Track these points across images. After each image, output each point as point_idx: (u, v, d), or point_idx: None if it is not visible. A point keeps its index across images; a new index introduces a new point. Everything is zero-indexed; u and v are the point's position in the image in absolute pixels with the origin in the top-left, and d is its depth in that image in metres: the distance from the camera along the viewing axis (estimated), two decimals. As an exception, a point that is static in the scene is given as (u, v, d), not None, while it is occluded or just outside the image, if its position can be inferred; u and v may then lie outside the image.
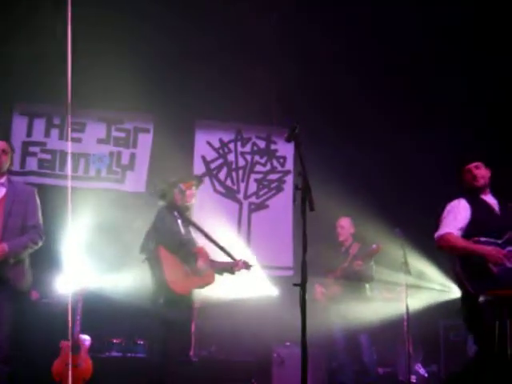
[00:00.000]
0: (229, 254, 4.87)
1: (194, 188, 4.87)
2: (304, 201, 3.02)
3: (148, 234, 4.71)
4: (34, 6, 6.95)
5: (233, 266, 4.89)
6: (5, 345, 4.10)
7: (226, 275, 4.96)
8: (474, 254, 4.17)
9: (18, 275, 4.29)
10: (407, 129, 7.78)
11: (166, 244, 4.51)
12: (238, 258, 4.92)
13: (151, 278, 4.62)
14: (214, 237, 4.85)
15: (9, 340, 4.13)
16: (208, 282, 4.72)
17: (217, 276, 4.82)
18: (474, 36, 7.06)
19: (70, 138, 7.41)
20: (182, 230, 4.66)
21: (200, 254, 4.61)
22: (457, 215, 4.38)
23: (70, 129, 6.94)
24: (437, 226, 4.48)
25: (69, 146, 7.35)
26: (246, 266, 4.92)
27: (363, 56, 7.44)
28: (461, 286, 4.35)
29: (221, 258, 4.95)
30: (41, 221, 4.46)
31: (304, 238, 3.02)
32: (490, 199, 4.52)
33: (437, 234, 4.38)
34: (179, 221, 4.65)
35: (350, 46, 7.27)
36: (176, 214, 4.68)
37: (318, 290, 6.35)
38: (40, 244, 4.43)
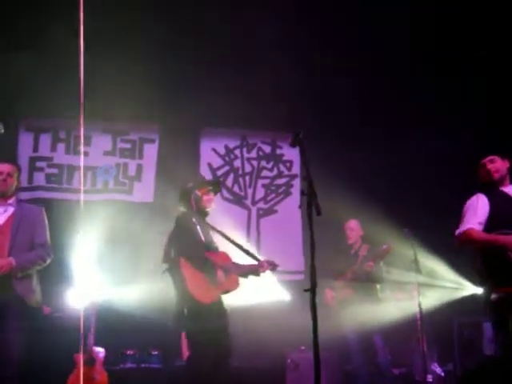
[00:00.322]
0: (252, 255, 4.74)
1: (211, 193, 4.81)
2: (310, 206, 3.02)
3: (169, 242, 4.61)
4: (41, 21, 7.01)
5: (257, 268, 4.70)
6: (14, 361, 4.12)
7: (252, 278, 4.79)
8: (496, 245, 4.08)
9: (27, 291, 4.35)
10: (412, 128, 7.76)
11: (190, 258, 4.40)
12: (261, 258, 4.79)
13: (174, 289, 4.53)
14: (235, 239, 4.78)
15: (18, 356, 4.16)
16: (232, 287, 4.60)
17: (242, 280, 4.70)
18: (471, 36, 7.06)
19: (82, 152, 7.48)
20: (202, 235, 4.56)
21: (221, 259, 4.56)
22: (476, 210, 4.31)
23: (82, 141, 7.04)
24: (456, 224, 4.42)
25: (81, 160, 7.38)
26: (271, 265, 4.75)
27: (364, 58, 7.43)
28: (482, 282, 4.29)
29: (243, 260, 4.82)
30: (49, 240, 4.56)
31: (312, 243, 3.01)
32: (510, 190, 4.47)
33: (457, 231, 4.30)
34: (198, 227, 4.55)
35: (350, 48, 7.27)
36: (194, 220, 4.59)
37: (328, 295, 6.35)
38: (48, 261, 4.51)
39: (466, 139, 7.17)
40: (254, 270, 4.69)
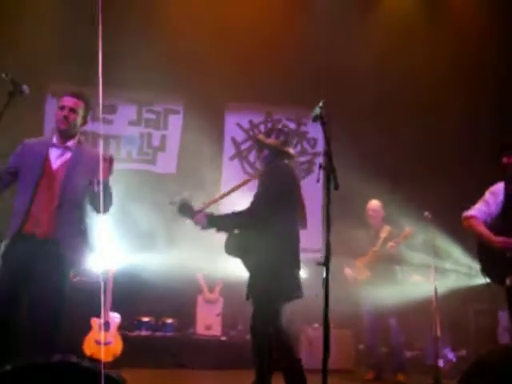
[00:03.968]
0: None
1: None
2: (328, 180, 3.01)
3: None
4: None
5: None
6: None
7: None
8: (486, 242, 4.23)
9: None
10: (437, 111, 7.69)
11: None
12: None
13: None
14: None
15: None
16: None
17: None
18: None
19: (101, 120, 7.46)
20: None
21: None
22: (489, 200, 4.38)
23: (100, 111, 7.01)
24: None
25: (101, 128, 7.40)
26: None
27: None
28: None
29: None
30: (111, 189, 3.79)
31: (328, 218, 3.00)
32: None
33: (464, 213, 4.40)
34: None
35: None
36: None
37: (347, 273, 6.36)
38: (109, 208, 3.80)
39: (493, 123, 7.08)
40: None
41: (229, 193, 4.19)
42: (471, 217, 4.36)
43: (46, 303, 3.53)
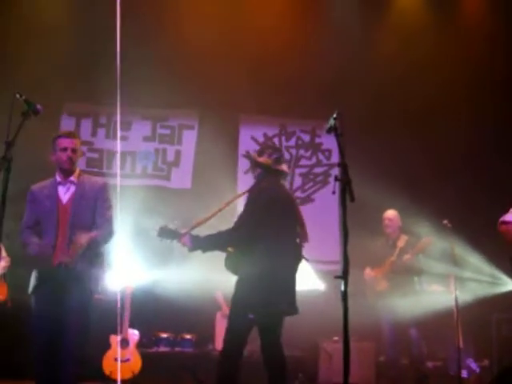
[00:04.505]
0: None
1: None
2: (344, 192, 2.98)
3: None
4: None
5: None
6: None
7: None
8: None
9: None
10: (454, 116, 7.64)
11: None
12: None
13: (294, 271, 4.26)
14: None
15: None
16: None
17: None
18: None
19: (119, 137, 7.52)
20: None
21: None
22: None
23: (119, 127, 7.09)
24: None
25: (118, 145, 7.45)
26: None
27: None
28: None
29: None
30: (110, 217, 4.21)
31: (344, 230, 2.97)
32: None
33: (502, 218, 4.19)
34: None
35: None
36: None
37: (367, 271, 6.28)
38: (109, 240, 4.23)
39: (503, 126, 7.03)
40: None
41: (216, 213, 4.22)
42: (510, 222, 4.16)
43: (74, 325, 3.96)
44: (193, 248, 4.10)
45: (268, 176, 4.14)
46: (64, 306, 3.95)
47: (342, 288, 2.92)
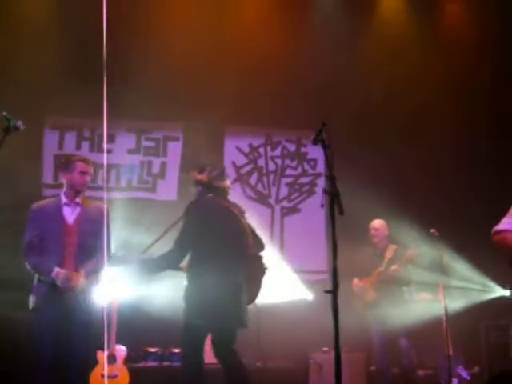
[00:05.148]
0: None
1: None
2: (332, 204, 2.95)
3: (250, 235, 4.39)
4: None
5: None
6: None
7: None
8: None
9: None
10: (442, 125, 7.67)
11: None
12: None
13: (246, 283, 4.28)
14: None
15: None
16: None
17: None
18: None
19: (105, 150, 7.46)
20: None
21: None
22: None
23: (105, 140, 7.04)
24: None
25: (104, 158, 7.37)
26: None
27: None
28: None
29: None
30: (106, 245, 4.29)
31: (334, 244, 2.94)
32: None
33: (494, 228, 4.09)
34: None
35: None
36: None
37: (355, 282, 6.25)
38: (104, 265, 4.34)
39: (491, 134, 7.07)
40: None
41: (164, 234, 4.51)
42: (504, 231, 4.05)
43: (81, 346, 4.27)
44: (141, 272, 4.25)
45: (207, 193, 4.22)
46: (69, 323, 4.15)
47: (332, 303, 2.86)
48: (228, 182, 4.34)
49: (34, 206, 4.36)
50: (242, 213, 4.33)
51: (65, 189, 4.39)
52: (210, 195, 4.22)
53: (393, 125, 7.74)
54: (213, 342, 4.13)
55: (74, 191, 4.37)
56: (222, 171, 4.37)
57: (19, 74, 7.01)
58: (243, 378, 4.12)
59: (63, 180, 4.41)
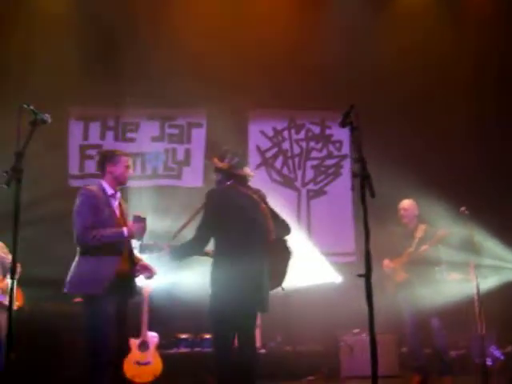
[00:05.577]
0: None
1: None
2: (363, 188, 2.90)
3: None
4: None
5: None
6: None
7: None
8: None
9: None
10: (471, 103, 7.56)
11: None
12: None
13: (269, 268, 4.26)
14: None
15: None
16: None
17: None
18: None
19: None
20: None
21: None
22: None
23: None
24: None
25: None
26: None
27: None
28: None
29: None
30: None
31: (366, 227, 2.89)
32: None
33: None
34: None
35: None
36: None
37: (386, 263, 6.21)
38: None
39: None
40: None
41: (190, 220, 4.40)
42: None
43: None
44: (171, 258, 4.25)
45: (227, 180, 4.22)
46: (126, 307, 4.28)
47: (366, 287, 2.83)
48: (248, 170, 4.33)
49: (91, 189, 4.27)
50: (264, 198, 4.32)
51: (106, 180, 4.34)
52: (230, 182, 4.22)
53: (420, 103, 7.62)
54: (232, 326, 4.10)
55: (118, 183, 4.37)
56: (242, 159, 4.36)
57: (43, 66, 7.05)
58: (253, 363, 4.11)
59: (106, 171, 4.34)
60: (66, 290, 4.14)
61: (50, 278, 5.15)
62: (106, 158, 4.39)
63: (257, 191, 4.29)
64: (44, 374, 6.12)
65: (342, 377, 6.59)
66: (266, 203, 4.31)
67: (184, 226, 4.42)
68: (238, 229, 4.08)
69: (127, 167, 4.39)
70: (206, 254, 4.22)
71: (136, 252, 4.38)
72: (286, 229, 4.33)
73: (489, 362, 6.08)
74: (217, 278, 4.05)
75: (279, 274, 4.21)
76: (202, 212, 4.21)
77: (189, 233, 4.36)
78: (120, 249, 4.21)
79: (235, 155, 4.29)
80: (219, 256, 4.08)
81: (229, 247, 4.05)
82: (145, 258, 4.46)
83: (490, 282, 6.56)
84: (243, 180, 4.27)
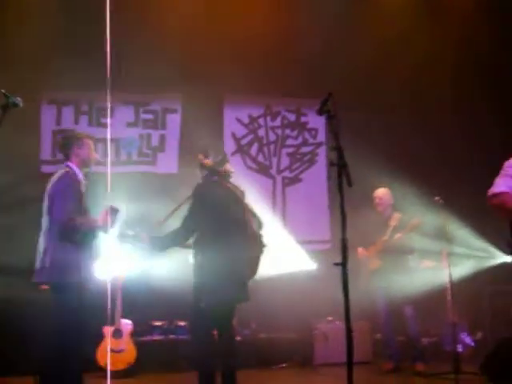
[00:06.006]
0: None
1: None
2: (340, 176, 2.90)
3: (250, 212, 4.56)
4: None
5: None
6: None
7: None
8: None
9: None
10: (442, 90, 7.59)
11: None
12: None
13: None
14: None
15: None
16: None
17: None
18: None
19: (109, 124, 7.33)
20: None
21: None
22: None
23: (109, 113, 6.95)
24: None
25: (108, 132, 7.27)
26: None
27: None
28: None
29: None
30: None
31: (343, 216, 2.90)
32: None
33: (490, 191, 3.78)
34: None
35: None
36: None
37: (360, 251, 6.26)
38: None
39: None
40: None
41: (172, 213, 4.57)
42: (502, 193, 3.83)
43: None
44: (153, 248, 4.43)
45: (212, 176, 4.43)
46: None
47: (342, 275, 2.84)
48: (229, 167, 4.56)
49: (71, 174, 4.30)
50: (243, 194, 4.55)
51: (75, 164, 4.36)
52: (215, 178, 4.44)
53: (394, 92, 7.62)
54: (213, 315, 4.21)
55: (84, 166, 4.43)
56: (224, 156, 4.58)
57: (15, 49, 6.89)
58: (233, 351, 4.30)
59: (73, 154, 4.36)
60: (42, 279, 4.13)
61: (18, 265, 5.09)
62: (73, 141, 4.37)
63: (238, 187, 4.53)
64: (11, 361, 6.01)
65: (315, 364, 6.64)
66: (245, 198, 4.55)
67: (167, 219, 4.59)
68: (222, 222, 4.27)
69: (92, 150, 4.46)
70: (186, 246, 4.40)
71: (115, 241, 4.39)
72: (260, 224, 4.52)
73: (460, 348, 6.17)
74: (200, 268, 4.21)
75: (253, 265, 4.36)
76: (187, 204, 4.39)
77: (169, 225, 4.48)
78: (95, 237, 4.25)
79: (218, 153, 4.55)
80: (202, 247, 4.25)
81: (212, 239, 4.23)
82: (124, 247, 4.47)
83: (461, 270, 6.66)
84: (226, 176, 4.51)
